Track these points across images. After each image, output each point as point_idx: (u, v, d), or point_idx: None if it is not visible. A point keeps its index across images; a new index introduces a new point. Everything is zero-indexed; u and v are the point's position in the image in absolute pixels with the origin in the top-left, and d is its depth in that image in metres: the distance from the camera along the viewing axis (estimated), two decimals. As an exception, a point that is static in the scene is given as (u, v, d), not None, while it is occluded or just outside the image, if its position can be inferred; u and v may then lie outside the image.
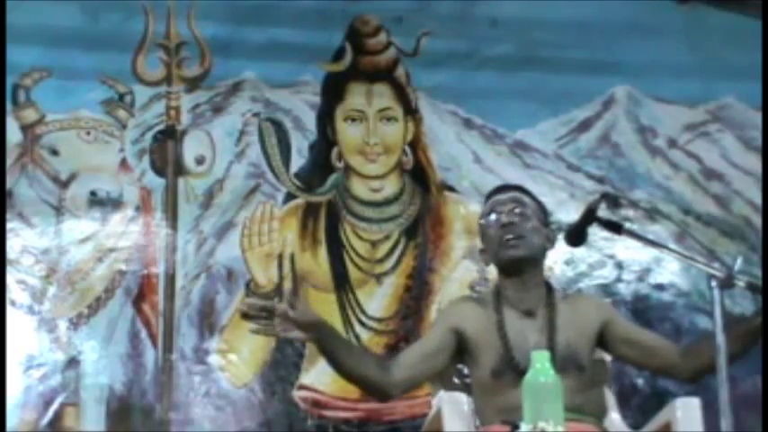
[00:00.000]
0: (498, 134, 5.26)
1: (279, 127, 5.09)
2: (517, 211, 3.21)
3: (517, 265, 3.19)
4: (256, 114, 5.09)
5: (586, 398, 3.15)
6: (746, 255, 4.90)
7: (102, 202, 4.88)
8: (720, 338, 2.62)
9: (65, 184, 4.88)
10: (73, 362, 4.71)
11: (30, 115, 4.91)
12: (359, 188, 5.11)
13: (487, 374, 3.13)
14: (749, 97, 5.36)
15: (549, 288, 3.27)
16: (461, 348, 3.21)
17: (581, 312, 3.23)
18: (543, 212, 3.31)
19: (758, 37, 5.11)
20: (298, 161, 5.08)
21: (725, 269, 2.70)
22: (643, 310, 5.10)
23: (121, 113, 4.98)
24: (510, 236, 3.16)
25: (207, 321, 4.85)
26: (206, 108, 5.06)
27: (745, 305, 5.08)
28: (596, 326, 3.22)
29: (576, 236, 3.06)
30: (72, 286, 4.78)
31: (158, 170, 4.95)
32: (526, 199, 3.27)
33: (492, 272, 4.80)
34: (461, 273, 5.05)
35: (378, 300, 5.00)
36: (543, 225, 3.26)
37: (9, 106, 4.89)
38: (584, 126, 5.33)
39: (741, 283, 2.70)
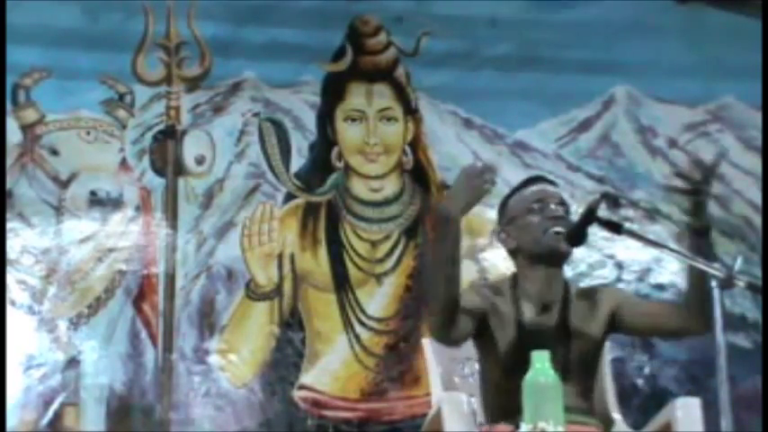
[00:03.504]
0: (498, 134, 5.26)
1: (279, 127, 5.09)
2: (563, 209, 3.21)
3: (554, 258, 3.17)
4: (256, 114, 5.09)
5: (593, 401, 3.15)
6: (746, 255, 4.89)
7: (102, 202, 4.88)
8: (720, 338, 2.62)
9: (65, 184, 4.88)
10: (73, 362, 4.71)
11: (30, 115, 4.91)
12: (359, 188, 5.11)
13: (499, 370, 3.12)
14: (749, 97, 5.36)
15: (565, 284, 3.26)
16: (479, 332, 3.17)
17: (593, 309, 3.22)
18: None
19: (758, 37, 5.11)
20: (298, 161, 5.08)
21: (725, 269, 2.70)
22: (643, 310, 5.10)
23: (121, 113, 4.98)
24: (559, 229, 3.14)
25: (207, 321, 4.85)
26: (206, 108, 5.06)
27: (745, 305, 5.10)
28: (606, 317, 3.21)
29: (576, 236, 3.06)
30: (72, 286, 4.78)
31: (158, 170, 4.95)
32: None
33: (493, 271, 4.81)
34: (461, 273, 5.04)
35: (378, 300, 5.00)
36: None
37: (9, 106, 4.89)
38: (584, 126, 5.34)
39: (741, 283, 2.70)
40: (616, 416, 3.32)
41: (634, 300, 3.36)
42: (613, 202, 3.08)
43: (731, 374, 2.62)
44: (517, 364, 3.07)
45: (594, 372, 3.17)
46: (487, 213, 4.96)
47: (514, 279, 3.23)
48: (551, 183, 3.32)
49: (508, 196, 3.29)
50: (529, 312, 3.17)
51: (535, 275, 3.19)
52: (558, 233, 3.14)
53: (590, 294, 3.30)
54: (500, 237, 3.27)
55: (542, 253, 3.17)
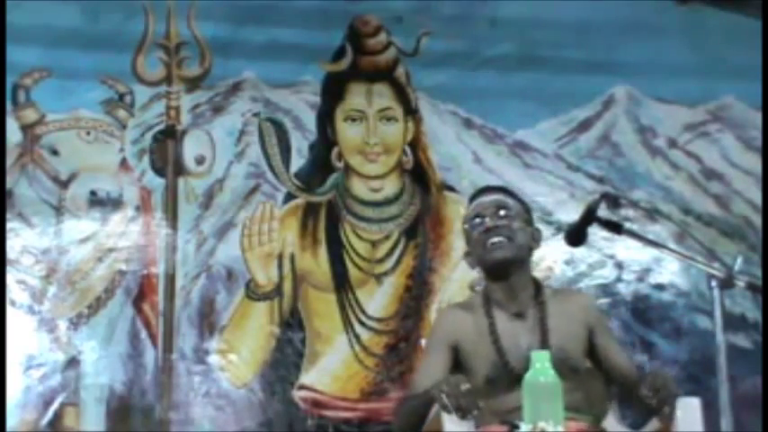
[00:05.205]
0: (498, 134, 5.26)
1: (279, 127, 5.09)
2: (501, 213, 3.21)
3: (503, 268, 3.20)
4: (256, 114, 5.09)
5: (584, 398, 3.15)
6: (746, 255, 4.89)
7: (102, 202, 4.88)
8: (720, 338, 2.62)
9: (65, 184, 4.88)
10: (73, 362, 4.71)
11: (30, 115, 4.91)
12: (359, 188, 5.11)
13: (481, 381, 3.13)
14: (749, 97, 5.36)
15: (537, 286, 3.27)
16: (457, 361, 3.23)
17: (570, 312, 3.23)
18: (527, 212, 3.32)
19: (758, 37, 5.11)
20: (298, 161, 5.08)
21: (725, 269, 2.70)
22: (643, 310, 5.10)
23: (121, 113, 4.98)
24: (494, 239, 3.17)
25: (207, 321, 4.85)
26: (206, 108, 5.06)
27: (745, 305, 5.10)
28: (584, 328, 3.23)
29: (576, 236, 3.07)
30: (72, 286, 4.78)
31: (158, 170, 4.95)
32: (509, 200, 3.27)
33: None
34: (461, 273, 5.05)
35: (378, 300, 5.00)
36: (528, 225, 3.27)
37: (9, 106, 4.88)
38: (584, 126, 5.33)
39: (741, 283, 2.70)
40: (614, 415, 3.32)
41: (605, 337, 3.31)
42: (613, 202, 3.08)
43: (731, 374, 2.62)
44: (497, 372, 3.09)
45: (581, 369, 3.18)
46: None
47: (486, 292, 3.26)
48: (495, 190, 3.34)
49: (464, 220, 3.35)
50: (502, 321, 3.19)
51: (499, 286, 3.23)
52: (492, 243, 3.16)
53: (566, 298, 3.31)
54: (467, 259, 3.32)
55: (488, 267, 3.21)
